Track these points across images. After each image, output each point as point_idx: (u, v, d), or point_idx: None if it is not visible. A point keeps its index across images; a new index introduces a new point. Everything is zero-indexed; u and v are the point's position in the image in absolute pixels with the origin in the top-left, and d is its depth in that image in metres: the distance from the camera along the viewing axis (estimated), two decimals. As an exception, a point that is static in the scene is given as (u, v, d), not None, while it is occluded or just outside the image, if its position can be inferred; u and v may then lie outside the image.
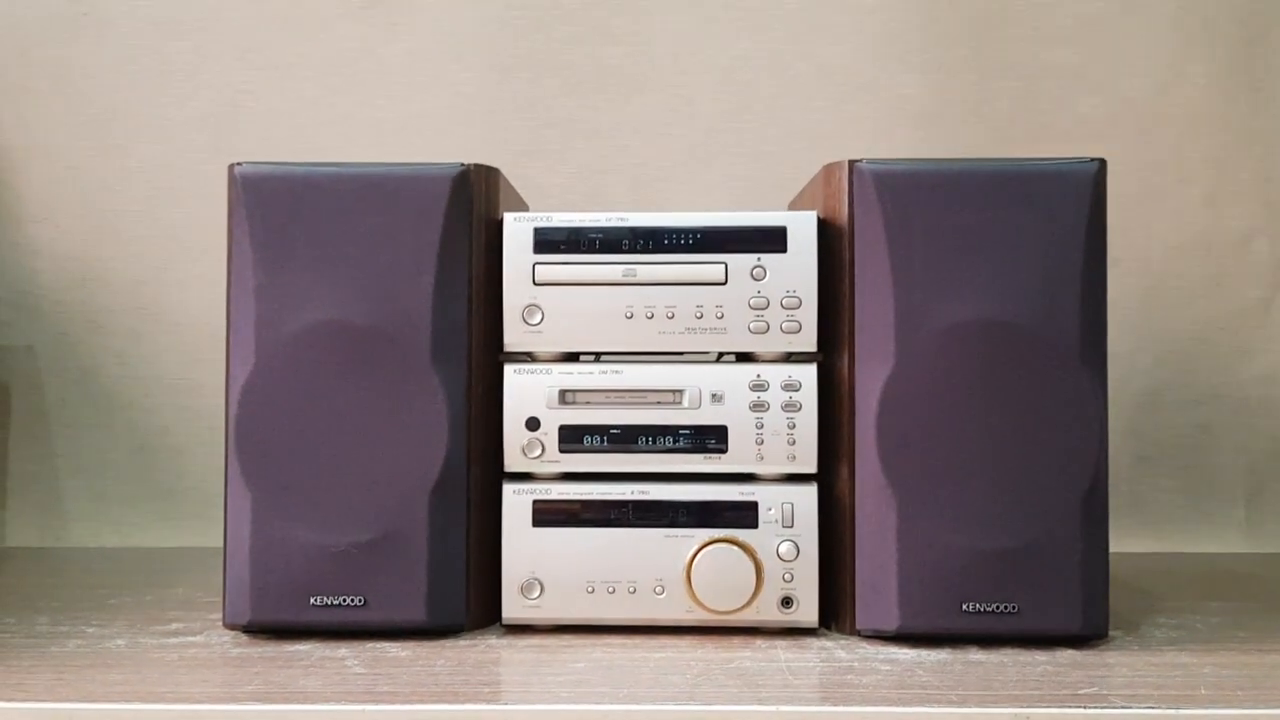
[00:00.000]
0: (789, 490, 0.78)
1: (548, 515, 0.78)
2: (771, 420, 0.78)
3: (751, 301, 0.78)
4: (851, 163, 0.77)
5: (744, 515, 0.78)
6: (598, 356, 0.81)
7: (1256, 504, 1.18)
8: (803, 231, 0.79)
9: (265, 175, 0.77)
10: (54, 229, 1.20)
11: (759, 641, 0.76)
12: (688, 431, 0.78)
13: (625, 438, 0.79)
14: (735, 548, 0.77)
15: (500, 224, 0.80)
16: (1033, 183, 0.76)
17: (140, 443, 1.20)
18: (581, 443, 0.79)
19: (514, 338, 0.79)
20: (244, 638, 0.77)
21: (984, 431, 0.75)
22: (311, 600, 0.75)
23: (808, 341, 0.79)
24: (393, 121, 1.19)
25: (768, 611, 0.77)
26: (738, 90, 1.19)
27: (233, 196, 0.77)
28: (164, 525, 1.19)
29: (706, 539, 0.77)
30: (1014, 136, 1.17)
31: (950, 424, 0.75)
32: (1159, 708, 0.62)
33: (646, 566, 0.77)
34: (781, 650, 0.74)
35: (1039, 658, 0.72)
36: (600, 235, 0.79)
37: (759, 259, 0.78)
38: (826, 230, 0.79)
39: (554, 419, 0.79)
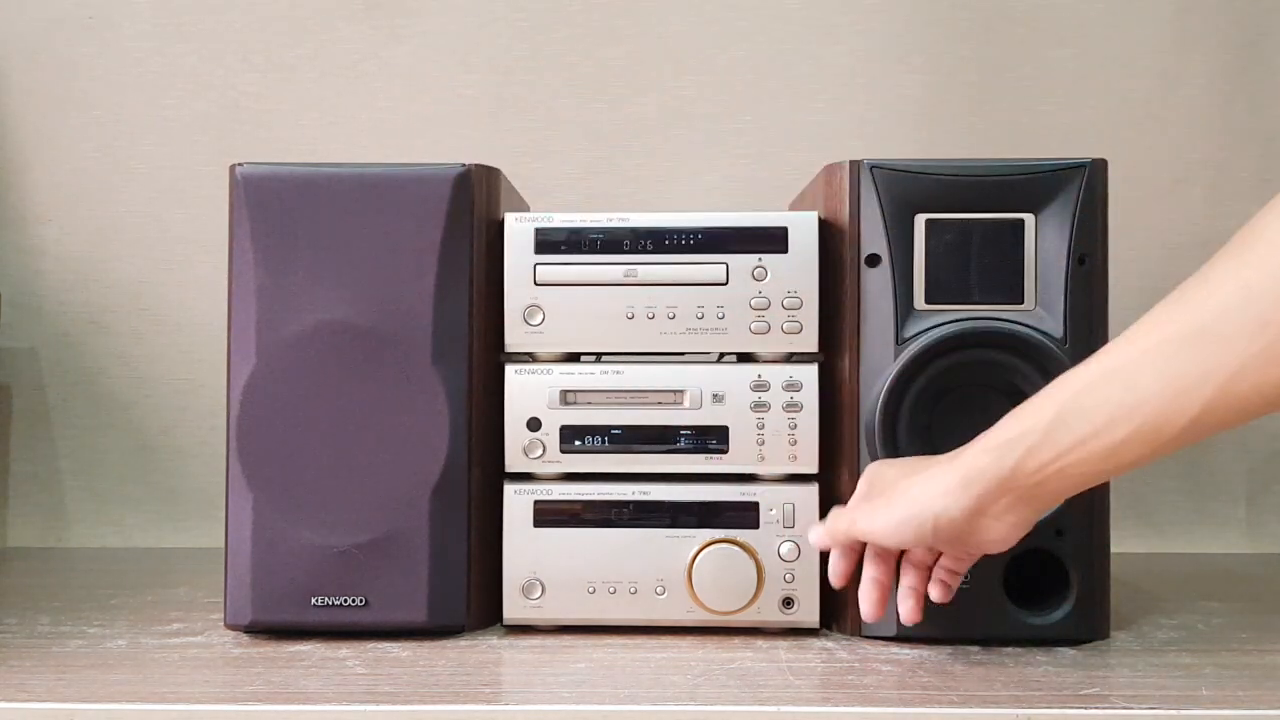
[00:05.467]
0: (790, 490, 0.78)
1: (549, 516, 0.78)
2: (773, 421, 0.78)
3: (752, 302, 0.78)
4: (853, 163, 0.77)
5: (745, 515, 0.78)
6: (599, 357, 0.81)
7: (1257, 504, 1.18)
8: (804, 232, 0.79)
9: (267, 176, 0.77)
10: (58, 230, 1.20)
11: (760, 642, 0.76)
12: (689, 432, 0.78)
13: (626, 438, 0.79)
14: (736, 548, 0.77)
15: (501, 224, 0.80)
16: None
17: (142, 443, 1.20)
18: (583, 443, 0.79)
19: (515, 338, 0.79)
20: (245, 638, 0.77)
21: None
22: (313, 601, 0.75)
23: (809, 342, 0.79)
24: (394, 122, 1.19)
25: (769, 612, 0.77)
26: (738, 91, 1.19)
27: (234, 197, 0.77)
28: (165, 526, 1.19)
29: (707, 539, 0.77)
30: (1014, 137, 1.17)
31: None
32: (1160, 708, 0.62)
33: (647, 567, 0.78)
34: (783, 650, 0.74)
35: (1040, 658, 0.72)
36: (601, 235, 0.79)
37: (760, 259, 0.78)
38: (828, 230, 0.79)
39: (555, 419, 0.79)
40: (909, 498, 0.64)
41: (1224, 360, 0.52)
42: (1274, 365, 0.51)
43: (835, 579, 0.73)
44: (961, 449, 0.64)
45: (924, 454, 0.75)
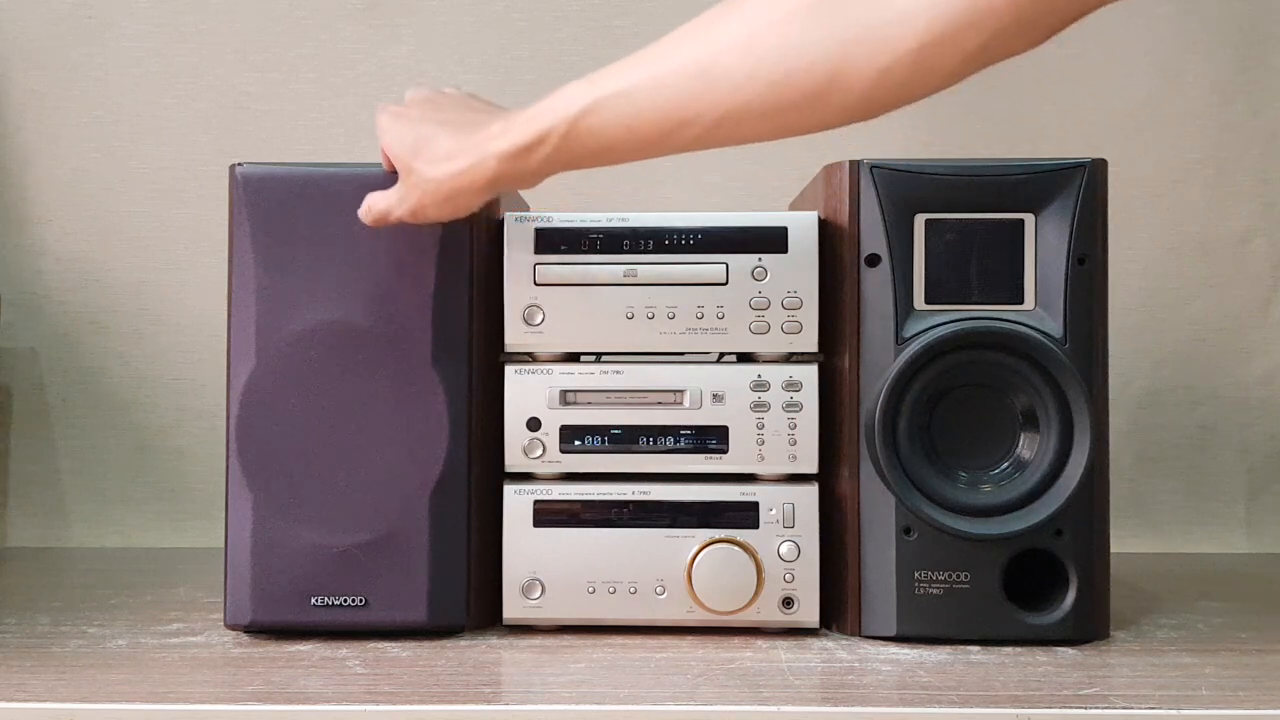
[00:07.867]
0: (790, 490, 0.78)
1: (549, 515, 0.78)
2: (772, 420, 0.78)
3: (752, 302, 0.78)
4: (853, 163, 0.77)
5: (745, 515, 0.78)
6: (598, 357, 0.81)
7: (1257, 504, 1.18)
8: (804, 232, 0.79)
9: (267, 175, 0.77)
10: (58, 230, 1.20)
11: (760, 642, 0.76)
12: (688, 432, 0.78)
13: (626, 438, 0.79)
14: (736, 548, 0.77)
15: (501, 224, 0.80)
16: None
17: (141, 443, 1.20)
18: (582, 443, 0.79)
19: (515, 338, 0.79)
20: (245, 638, 0.77)
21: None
22: (312, 600, 0.75)
23: (809, 342, 0.79)
24: (394, 122, 1.19)
25: (769, 612, 0.77)
26: (738, 91, 1.19)
27: (234, 197, 0.77)
28: (165, 525, 1.19)
29: (707, 539, 0.77)
30: (1014, 137, 1.17)
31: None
32: (1160, 708, 0.62)
33: (647, 567, 0.78)
34: (782, 651, 0.74)
35: (1040, 658, 0.72)
36: (601, 235, 0.79)
37: (760, 259, 0.78)
38: (827, 230, 0.79)
39: (555, 419, 0.79)
40: (453, 197, 0.70)
41: (719, 102, 0.60)
42: (756, 118, 0.60)
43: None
44: (483, 138, 0.69)
45: (926, 457, 0.75)
